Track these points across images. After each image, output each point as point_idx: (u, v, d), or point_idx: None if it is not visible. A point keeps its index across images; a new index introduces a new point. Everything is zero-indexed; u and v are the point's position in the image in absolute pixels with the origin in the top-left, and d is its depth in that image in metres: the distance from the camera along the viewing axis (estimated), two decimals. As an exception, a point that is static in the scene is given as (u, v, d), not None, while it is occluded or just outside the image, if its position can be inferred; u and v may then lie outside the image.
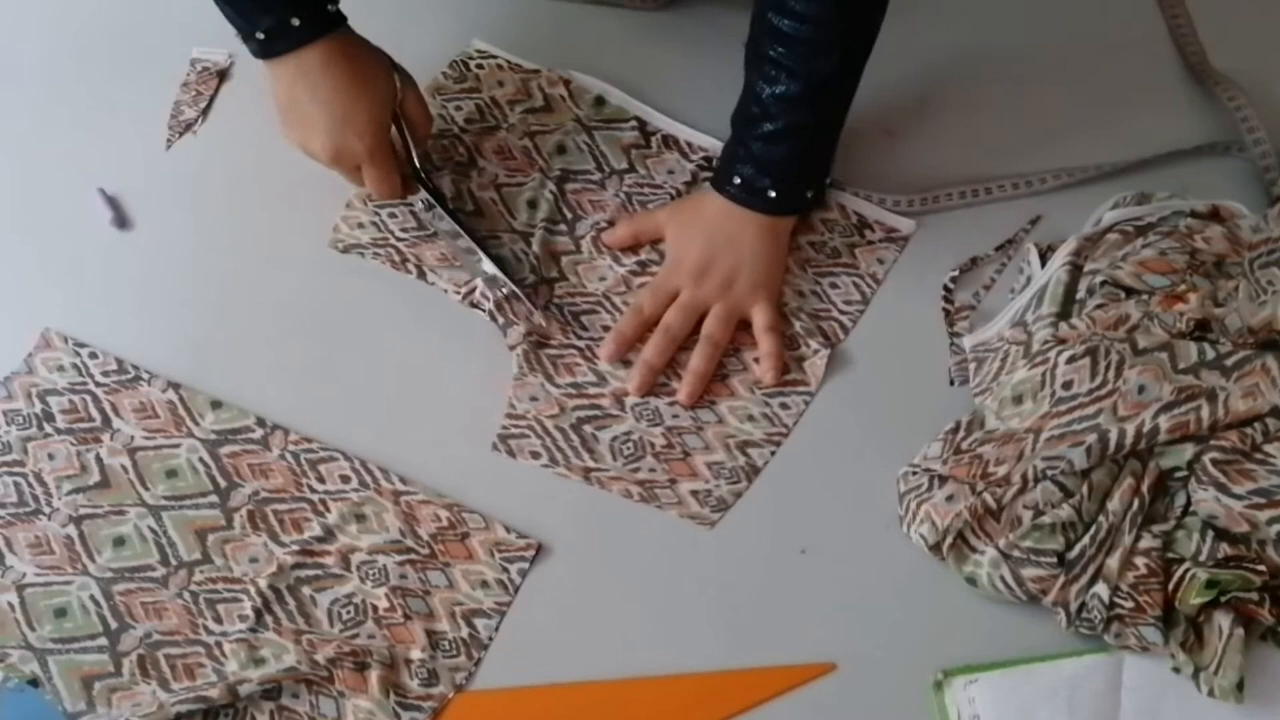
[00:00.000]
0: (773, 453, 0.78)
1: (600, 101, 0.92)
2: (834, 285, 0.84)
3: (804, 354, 0.81)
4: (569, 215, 0.87)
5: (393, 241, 0.86)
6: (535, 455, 0.78)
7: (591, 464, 0.78)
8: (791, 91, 0.77)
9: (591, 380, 0.81)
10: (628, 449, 0.78)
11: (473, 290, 0.83)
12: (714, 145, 0.89)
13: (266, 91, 0.95)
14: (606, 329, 0.82)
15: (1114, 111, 0.90)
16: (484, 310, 0.82)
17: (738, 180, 0.81)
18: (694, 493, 0.76)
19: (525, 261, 0.85)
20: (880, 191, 0.87)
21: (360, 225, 0.87)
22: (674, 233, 0.85)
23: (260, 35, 0.77)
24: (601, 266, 0.85)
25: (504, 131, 0.91)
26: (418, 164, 0.85)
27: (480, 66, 0.94)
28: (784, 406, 0.80)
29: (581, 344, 0.82)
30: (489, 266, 0.82)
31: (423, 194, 0.85)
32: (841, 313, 0.83)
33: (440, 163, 0.89)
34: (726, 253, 0.82)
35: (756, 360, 0.81)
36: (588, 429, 0.79)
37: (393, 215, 0.87)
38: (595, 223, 0.87)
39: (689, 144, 0.90)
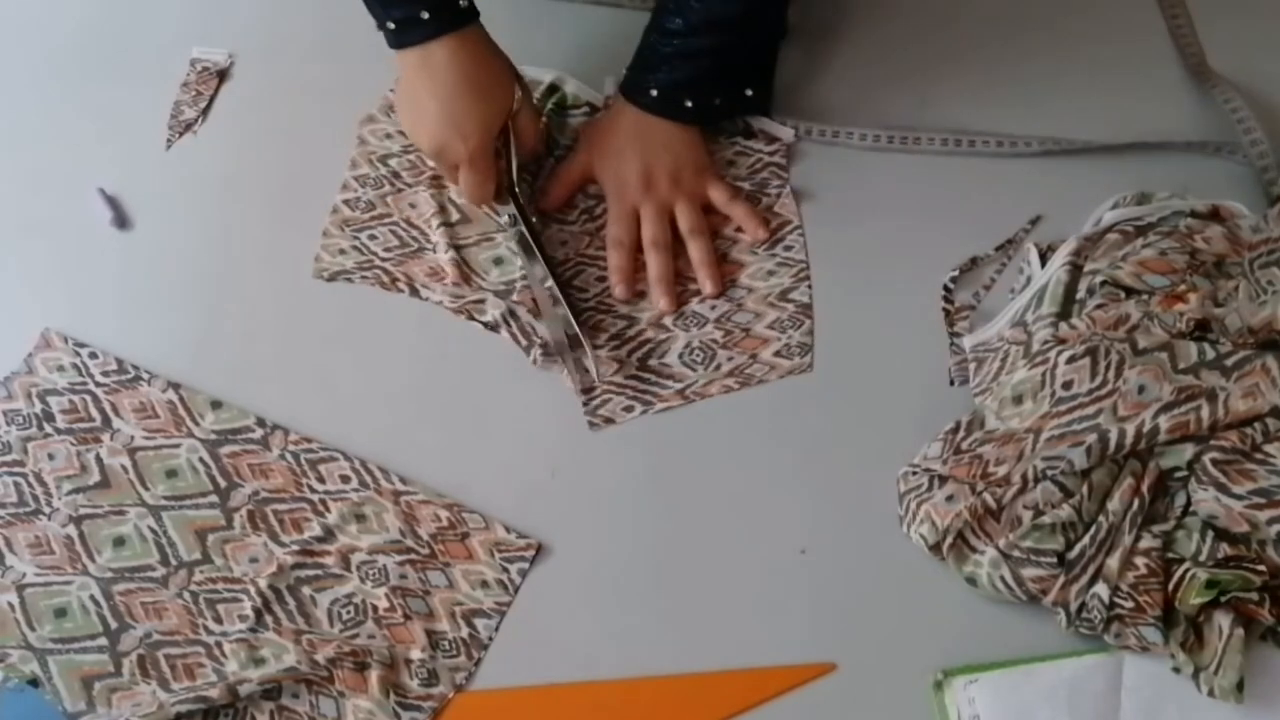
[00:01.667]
0: (809, 288, 0.83)
1: (553, 90, 0.93)
2: (744, 152, 0.89)
3: (770, 202, 0.87)
4: (537, 200, 0.89)
5: (378, 263, 0.86)
6: (630, 410, 0.79)
7: (679, 385, 0.80)
8: (720, 14, 0.81)
9: (624, 324, 0.83)
10: (698, 356, 0.81)
11: (481, 302, 0.83)
12: (612, 87, 0.92)
13: (266, 91, 0.96)
14: (602, 279, 0.84)
15: (1112, 111, 0.90)
16: (501, 331, 0.82)
17: (654, 92, 0.84)
18: (776, 353, 0.81)
19: (520, 256, 0.85)
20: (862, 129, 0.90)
21: (342, 250, 0.87)
22: (602, 165, 0.87)
23: (391, 25, 0.78)
24: (557, 234, 0.87)
25: None
26: (515, 180, 0.84)
27: None
28: (788, 248, 0.85)
29: (591, 302, 0.84)
30: (559, 296, 0.81)
31: (511, 209, 0.84)
32: (769, 157, 0.88)
33: (411, 180, 0.89)
34: (659, 156, 0.85)
35: (739, 230, 0.86)
36: (653, 362, 0.81)
37: (373, 236, 0.87)
38: (533, 196, 0.88)
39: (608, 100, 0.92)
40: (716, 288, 0.83)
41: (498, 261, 0.85)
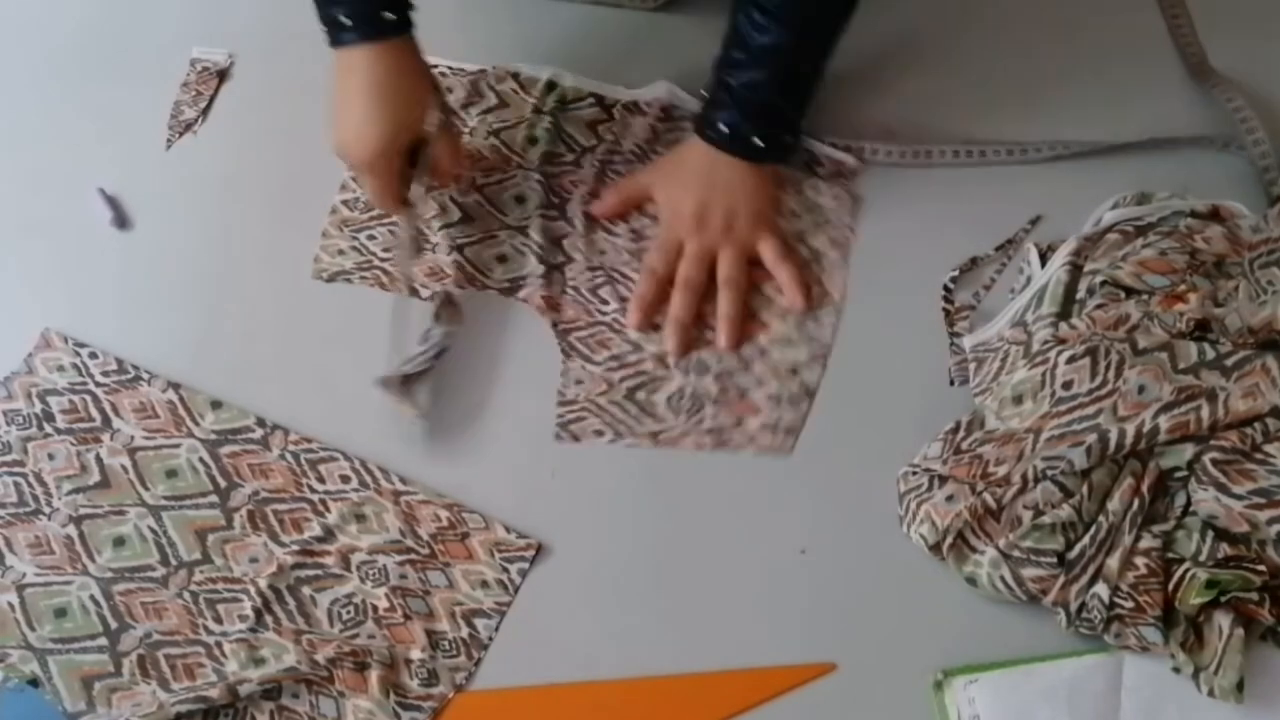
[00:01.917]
0: (822, 369, 0.80)
1: (552, 86, 0.92)
2: (815, 208, 0.87)
3: (821, 271, 0.84)
4: (556, 200, 0.88)
5: (377, 263, 0.86)
6: (599, 434, 0.79)
7: (655, 427, 0.79)
8: (781, 41, 0.79)
9: (629, 349, 0.82)
10: (686, 404, 0.79)
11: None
12: (666, 94, 0.91)
13: (266, 91, 0.96)
14: (625, 300, 0.83)
15: (1113, 111, 0.90)
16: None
17: (724, 128, 0.83)
18: (762, 425, 0.78)
19: (529, 253, 0.85)
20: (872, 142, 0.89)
21: (341, 251, 0.87)
22: (663, 190, 0.86)
23: (324, 27, 0.79)
24: (599, 240, 0.86)
25: (467, 136, 0.90)
26: (409, 198, 0.82)
27: None
28: (817, 324, 0.82)
29: (608, 318, 0.83)
30: (427, 327, 0.81)
31: (406, 228, 0.83)
32: (836, 215, 0.86)
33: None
34: (719, 197, 0.83)
35: (779, 291, 0.83)
36: (641, 395, 0.80)
37: (371, 237, 0.87)
38: (581, 197, 0.88)
39: (647, 104, 0.92)
40: (731, 345, 0.81)
41: (502, 259, 0.85)
